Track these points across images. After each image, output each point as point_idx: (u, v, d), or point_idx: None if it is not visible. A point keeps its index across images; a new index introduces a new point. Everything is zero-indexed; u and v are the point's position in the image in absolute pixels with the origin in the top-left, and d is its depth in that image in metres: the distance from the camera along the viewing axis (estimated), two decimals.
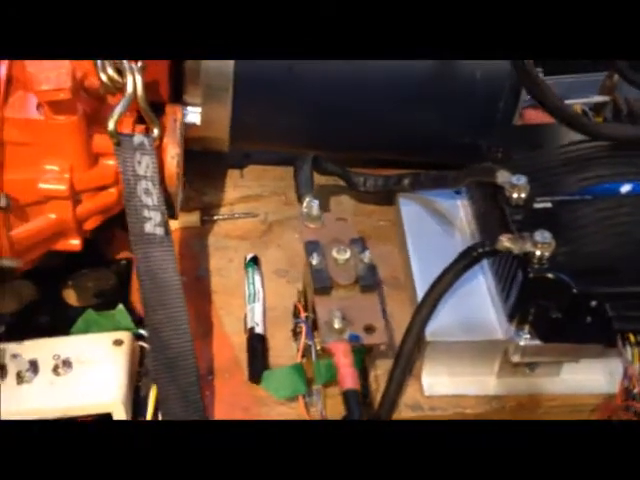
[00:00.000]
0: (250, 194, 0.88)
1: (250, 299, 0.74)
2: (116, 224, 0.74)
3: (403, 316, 0.70)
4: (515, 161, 0.71)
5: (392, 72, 0.77)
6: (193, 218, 0.83)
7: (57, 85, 0.55)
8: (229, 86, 0.75)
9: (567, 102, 0.74)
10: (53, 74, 0.55)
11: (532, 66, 0.71)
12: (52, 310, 0.72)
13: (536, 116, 0.92)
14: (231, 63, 0.73)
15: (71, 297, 0.74)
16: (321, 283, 0.61)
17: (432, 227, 0.77)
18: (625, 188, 0.68)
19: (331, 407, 0.64)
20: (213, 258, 0.80)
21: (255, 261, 0.78)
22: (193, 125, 0.76)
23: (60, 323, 0.70)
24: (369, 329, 0.59)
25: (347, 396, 0.55)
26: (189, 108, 0.75)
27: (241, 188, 0.89)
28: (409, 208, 0.79)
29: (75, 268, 0.76)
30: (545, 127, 0.82)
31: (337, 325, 0.58)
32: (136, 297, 0.73)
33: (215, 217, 0.84)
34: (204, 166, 0.87)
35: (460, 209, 0.78)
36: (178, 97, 0.75)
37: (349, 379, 0.55)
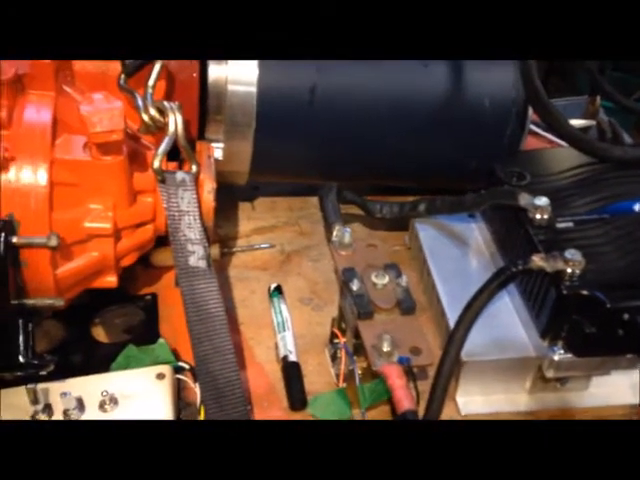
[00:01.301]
0: (264, 225, 0.90)
1: (279, 328, 0.75)
2: (137, 261, 0.75)
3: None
4: (530, 184, 0.75)
5: (405, 102, 0.80)
6: (213, 251, 0.82)
7: (111, 127, 0.56)
8: (252, 122, 0.77)
9: None
10: (106, 116, 0.56)
11: (543, 91, 0.75)
12: (85, 348, 0.72)
13: (534, 142, 0.96)
14: (254, 99, 0.76)
15: (100, 334, 0.74)
16: (364, 308, 0.63)
17: (451, 250, 0.79)
18: (638, 206, 0.71)
19: None
20: (236, 289, 0.81)
21: (279, 290, 0.80)
22: (215, 160, 0.78)
23: (93, 360, 0.70)
24: (415, 351, 0.61)
25: (407, 418, 0.56)
26: (212, 144, 0.77)
27: (255, 220, 0.91)
28: (427, 233, 0.81)
29: (100, 306, 0.76)
30: (550, 151, 0.85)
31: (386, 348, 0.60)
32: (165, 330, 0.74)
33: (234, 249, 0.86)
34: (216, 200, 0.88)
35: (476, 231, 0.81)
36: (200, 134, 0.77)
37: (406, 400, 0.56)
